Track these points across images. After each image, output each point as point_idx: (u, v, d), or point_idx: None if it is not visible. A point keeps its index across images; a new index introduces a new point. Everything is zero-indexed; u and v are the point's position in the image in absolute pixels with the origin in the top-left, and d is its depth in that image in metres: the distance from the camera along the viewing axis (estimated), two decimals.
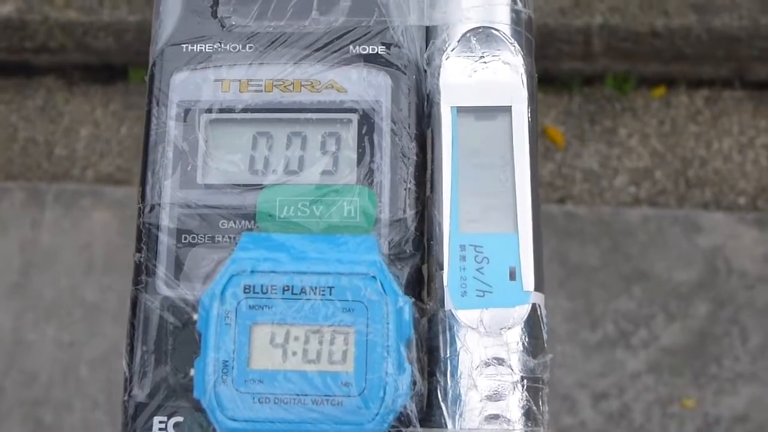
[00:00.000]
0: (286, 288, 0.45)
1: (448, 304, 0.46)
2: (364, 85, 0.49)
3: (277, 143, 0.49)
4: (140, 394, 0.46)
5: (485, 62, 0.49)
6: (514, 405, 0.45)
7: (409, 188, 0.48)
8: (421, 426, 0.44)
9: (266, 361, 0.44)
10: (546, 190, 1.61)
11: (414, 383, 0.44)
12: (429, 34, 0.50)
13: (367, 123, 0.48)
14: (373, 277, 0.45)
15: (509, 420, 0.45)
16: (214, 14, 0.50)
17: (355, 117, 0.49)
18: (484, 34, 0.50)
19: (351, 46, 0.49)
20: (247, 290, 0.45)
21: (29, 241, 1.62)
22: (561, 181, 1.62)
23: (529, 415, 0.45)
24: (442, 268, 0.46)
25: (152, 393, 0.46)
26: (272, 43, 0.50)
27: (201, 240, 0.48)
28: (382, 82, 0.49)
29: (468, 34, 0.50)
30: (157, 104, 0.49)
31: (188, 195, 0.48)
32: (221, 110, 0.49)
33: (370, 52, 0.49)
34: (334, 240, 0.46)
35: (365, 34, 0.49)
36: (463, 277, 0.46)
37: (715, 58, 1.65)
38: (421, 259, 0.47)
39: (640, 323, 1.50)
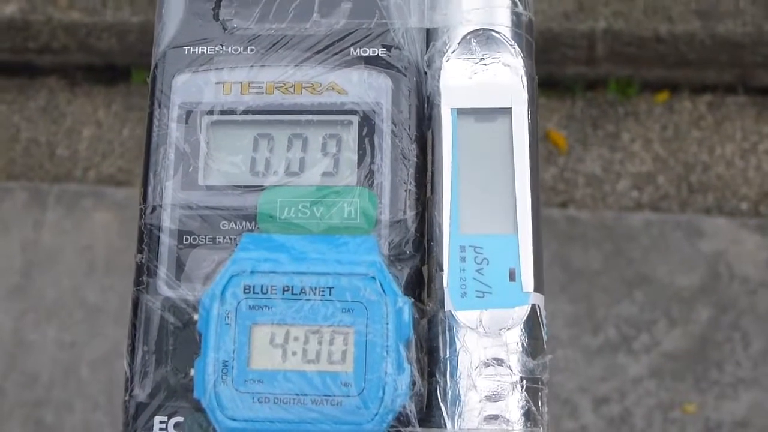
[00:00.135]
0: (286, 288, 0.45)
1: (448, 304, 0.46)
2: (365, 87, 0.49)
3: (278, 145, 0.49)
4: (141, 394, 0.46)
5: (485, 64, 0.49)
6: (513, 405, 0.45)
7: (410, 190, 0.48)
8: (421, 426, 0.44)
9: (266, 361, 0.44)
10: (548, 194, 1.61)
11: (413, 383, 0.44)
12: (429, 36, 0.51)
13: (367, 125, 0.49)
14: (373, 277, 0.45)
15: (508, 420, 0.45)
16: (216, 17, 0.51)
17: (355, 119, 0.49)
18: (484, 37, 0.50)
19: (352, 49, 0.49)
20: (247, 290, 0.45)
21: (31, 242, 1.62)
22: (563, 185, 1.62)
23: (528, 416, 0.45)
24: (442, 269, 0.47)
25: (153, 393, 0.46)
26: (273, 45, 0.50)
27: (202, 241, 0.48)
28: (383, 84, 0.49)
29: (468, 36, 0.50)
30: (159, 106, 0.49)
31: (189, 196, 0.48)
32: (223, 112, 0.49)
33: (371, 54, 0.49)
34: (335, 241, 0.46)
35: (366, 37, 0.50)
36: (462, 278, 0.46)
37: (719, 64, 1.65)
38: (421, 260, 0.47)
39: (642, 328, 1.50)
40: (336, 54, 0.49)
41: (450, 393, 0.45)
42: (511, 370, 0.45)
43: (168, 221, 0.48)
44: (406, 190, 0.48)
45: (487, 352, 0.46)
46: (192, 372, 0.45)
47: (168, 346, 0.46)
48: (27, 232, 1.63)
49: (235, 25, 0.50)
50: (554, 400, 1.44)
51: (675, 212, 1.59)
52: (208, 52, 0.50)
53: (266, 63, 0.49)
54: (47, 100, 1.75)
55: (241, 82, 0.49)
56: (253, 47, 0.50)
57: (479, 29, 0.50)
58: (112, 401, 1.50)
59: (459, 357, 0.46)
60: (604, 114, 1.68)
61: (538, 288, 0.47)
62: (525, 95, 0.49)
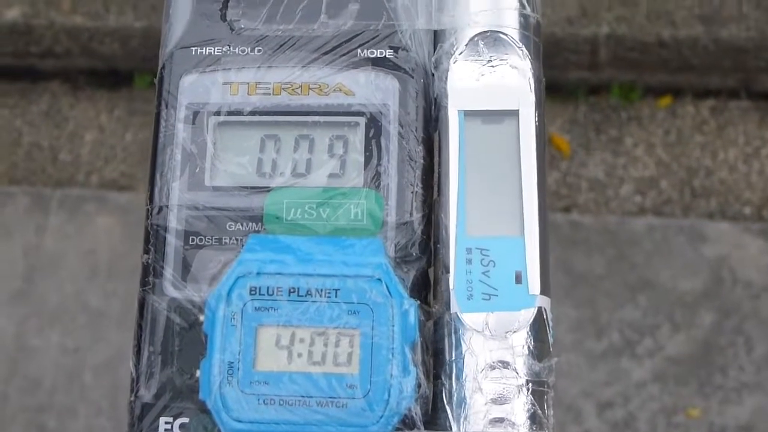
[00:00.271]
0: (291, 290, 0.45)
1: (454, 307, 0.46)
2: (372, 89, 0.49)
3: (284, 146, 0.49)
4: (147, 394, 0.46)
5: (493, 66, 0.49)
6: (519, 408, 0.45)
7: (416, 191, 0.48)
8: (426, 429, 0.44)
9: (271, 363, 0.44)
10: (551, 199, 1.60)
11: (419, 386, 0.44)
12: (437, 37, 0.51)
13: (374, 126, 0.49)
14: (379, 279, 0.45)
15: (514, 423, 0.45)
16: (224, 17, 0.51)
17: (362, 120, 0.49)
18: (492, 38, 0.50)
19: (359, 50, 0.49)
20: (253, 292, 0.45)
21: (33, 247, 1.62)
22: (566, 190, 1.62)
23: (534, 419, 0.45)
24: (448, 271, 0.46)
25: (159, 394, 0.46)
26: (281, 46, 0.50)
27: (208, 242, 0.48)
28: (390, 86, 0.49)
29: (476, 38, 0.50)
30: (166, 107, 0.49)
31: (196, 197, 0.48)
32: (229, 113, 0.49)
33: (378, 55, 0.49)
34: (341, 242, 0.46)
35: (373, 38, 0.50)
36: (469, 280, 0.46)
37: (722, 69, 1.65)
38: (427, 262, 0.47)
39: (646, 332, 1.50)
40: (343, 55, 0.49)
41: (455, 395, 0.45)
42: (517, 373, 0.45)
43: (174, 222, 0.48)
44: (412, 192, 0.48)
45: (493, 354, 0.45)
46: (197, 373, 0.45)
47: (174, 347, 0.46)
48: (29, 236, 1.63)
49: (242, 26, 0.50)
50: (558, 404, 1.44)
51: (678, 217, 1.59)
52: (216, 53, 0.50)
53: (273, 64, 0.49)
54: (50, 105, 1.75)
55: (248, 83, 0.49)
56: (260, 48, 0.50)
57: (487, 31, 0.50)
58: (116, 406, 1.50)
59: (465, 359, 0.45)
60: (607, 119, 1.68)
61: (544, 291, 0.46)
62: (532, 97, 0.49)
